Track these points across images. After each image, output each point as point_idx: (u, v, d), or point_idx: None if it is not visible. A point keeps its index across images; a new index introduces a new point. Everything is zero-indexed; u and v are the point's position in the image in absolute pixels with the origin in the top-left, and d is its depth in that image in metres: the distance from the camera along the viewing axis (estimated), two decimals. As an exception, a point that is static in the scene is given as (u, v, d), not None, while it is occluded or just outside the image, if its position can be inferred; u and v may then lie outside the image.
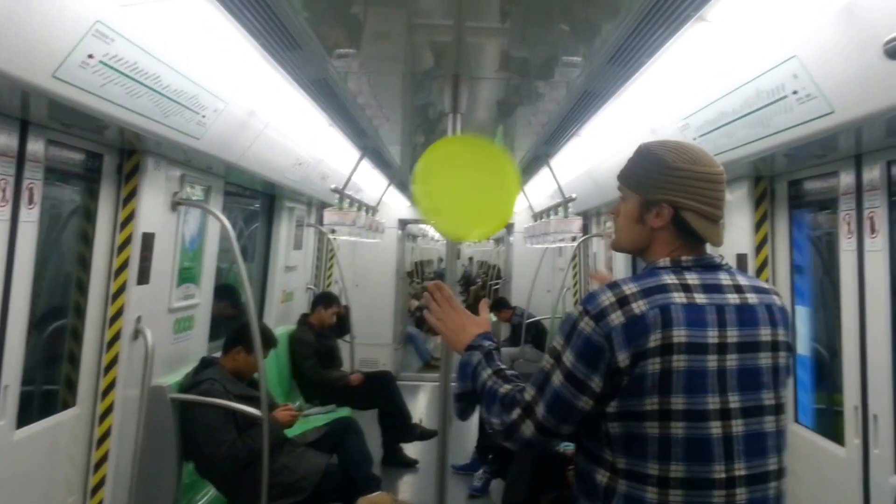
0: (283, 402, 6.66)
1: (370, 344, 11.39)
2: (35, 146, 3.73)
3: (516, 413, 2.10)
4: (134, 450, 4.59)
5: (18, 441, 3.82)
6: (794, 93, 3.37)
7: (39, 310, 4.23)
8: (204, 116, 4.36)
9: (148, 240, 4.72)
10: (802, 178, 4.66)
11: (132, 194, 4.61)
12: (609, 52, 3.83)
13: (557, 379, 2.03)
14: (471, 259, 32.52)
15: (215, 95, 4.32)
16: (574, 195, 7.43)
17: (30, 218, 3.71)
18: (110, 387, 4.52)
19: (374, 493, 4.81)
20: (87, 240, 4.49)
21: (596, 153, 6.61)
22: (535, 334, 11.23)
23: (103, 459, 4.49)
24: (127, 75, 3.43)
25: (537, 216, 9.85)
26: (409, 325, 15.50)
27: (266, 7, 3.29)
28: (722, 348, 1.98)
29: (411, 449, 8.15)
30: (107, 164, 4.50)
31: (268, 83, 4.64)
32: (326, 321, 8.32)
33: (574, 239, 8.02)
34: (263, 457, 4.79)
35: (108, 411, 4.51)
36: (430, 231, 26.41)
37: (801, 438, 4.59)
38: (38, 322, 4.26)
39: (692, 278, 2.08)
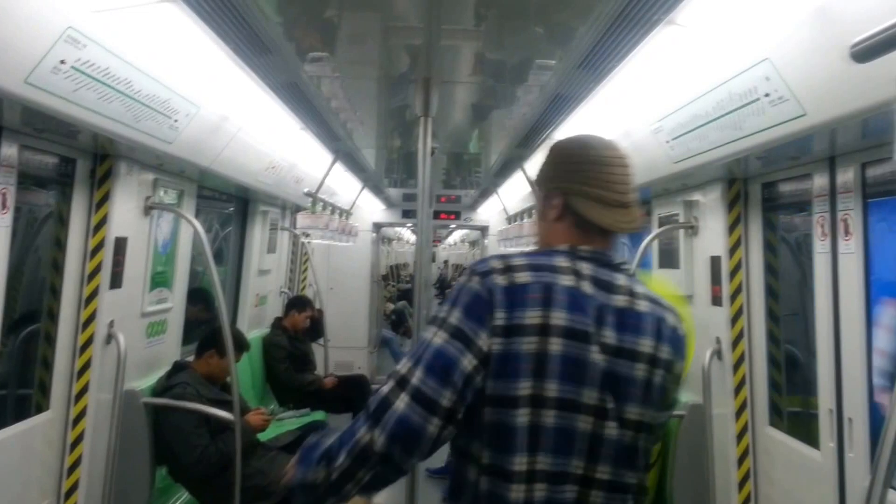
0: (257, 405, 6.68)
1: (345, 347, 11.38)
2: (8, 151, 3.73)
3: (387, 388, 1.90)
4: (107, 454, 4.58)
5: (-9, 445, 3.82)
6: (767, 95, 3.36)
7: (13, 314, 4.23)
8: (176, 121, 4.36)
9: (120, 244, 4.72)
10: (776, 181, 4.63)
11: (105, 199, 4.60)
12: (579, 56, 3.83)
13: (441, 338, 1.90)
14: (446, 262, 32.61)
15: (187, 100, 4.33)
16: (547, 198, 7.43)
17: (2, 223, 3.70)
18: (83, 391, 4.51)
19: (347, 496, 4.82)
20: (59, 244, 4.48)
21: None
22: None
23: (77, 463, 4.48)
24: (99, 80, 3.44)
25: (511, 219, 9.88)
26: (385, 328, 15.52)
27: (236, 13, 3.30)
28: (602, 347, 1.92)
29: (386, 451, 8.12)
30: (80, 169, 4.50)
31: (240, 87, 4.65)
32: (300, 325, 8.33)
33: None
34: (236, 461, 4.81)
35: (81, 415, 4.50)
36: (405, 234, 26.47)
37: (776, 441, 4.59)
38: (12, 326, 4.25)
39: (586, 268, 2.00)
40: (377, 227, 13.36)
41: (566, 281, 1.95)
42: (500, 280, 1.92)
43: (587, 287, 1.96)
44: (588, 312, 1.92)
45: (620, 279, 2.04)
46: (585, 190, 2.06)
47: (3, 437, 3.95)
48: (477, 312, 1.90)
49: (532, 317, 1.88)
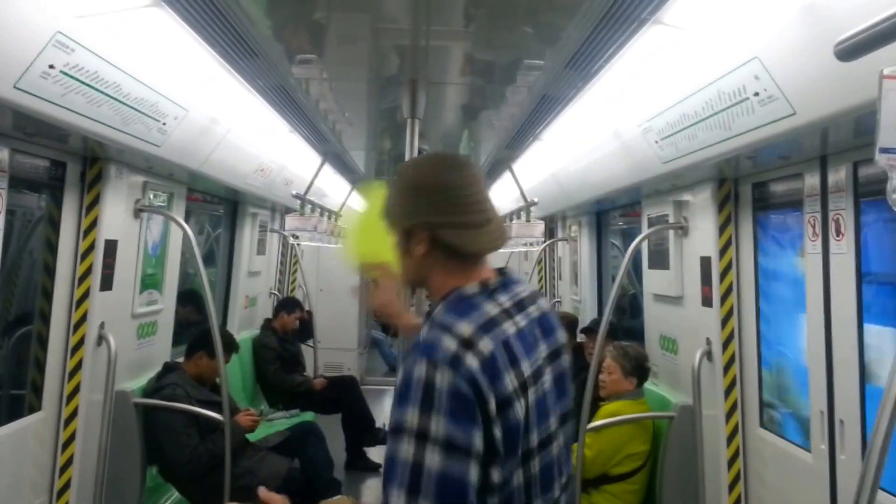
0: (247, 406, 6.69)
1: (335, 349, 11.39)
2: (-1, 155, 3.74)
3: None
4: (99, 453, 4.62)
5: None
6: (756, 94, 3.33)
7: (7, 316, 4.25)
8: (165, 124, 4.38)
9: (111, 247, 4.74)
10: (767, 181, 4.58)
11: (95, 202, 4.63)
12: (567, 55, 3.82)
13: (433, 460, 1.60)
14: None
15: (176, 103, 4.34)
16: (536, 199, 7.43)
17: (-6, 227, 3.72)
18: (75, 391, 4.54)
19: (335, 497, 4.81)
20: (51, 247, 4.50)
21: (559, 157, 6.63)
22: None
23: (69, 462, 4.51)
24: (88, 84, 3.46)
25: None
26: (375, 329, 15.50)
27: (223, 17, 3.31)
28: (545, 364, 1.93)
29: (375, 453, 8.19)
30: (70, 172, 4.52)
31: (228, 90, 4.64)
32: (289, 326, 8.36)
33: (540, 242, 8.02)
34: (226, 461, 4.83)
35: (73, 415, 4.53)
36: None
37: (767, 443, 4.56)
38: (6, 328, 4.27)
39: (506, 301, 1.93)
40: (367, 228, 13.31)
41: (511, 327, 1.86)
42: (472, 361, 1.69)
43: (521, 320, 1.92)
44: (535, 345, 1.91)
45: (522, 291, 2.04)
46: (451, 220, 1.96)
47: (-3, 437, 3.97)
48: (465, 412, 1.65)
49: (510, 382, 1.74)
